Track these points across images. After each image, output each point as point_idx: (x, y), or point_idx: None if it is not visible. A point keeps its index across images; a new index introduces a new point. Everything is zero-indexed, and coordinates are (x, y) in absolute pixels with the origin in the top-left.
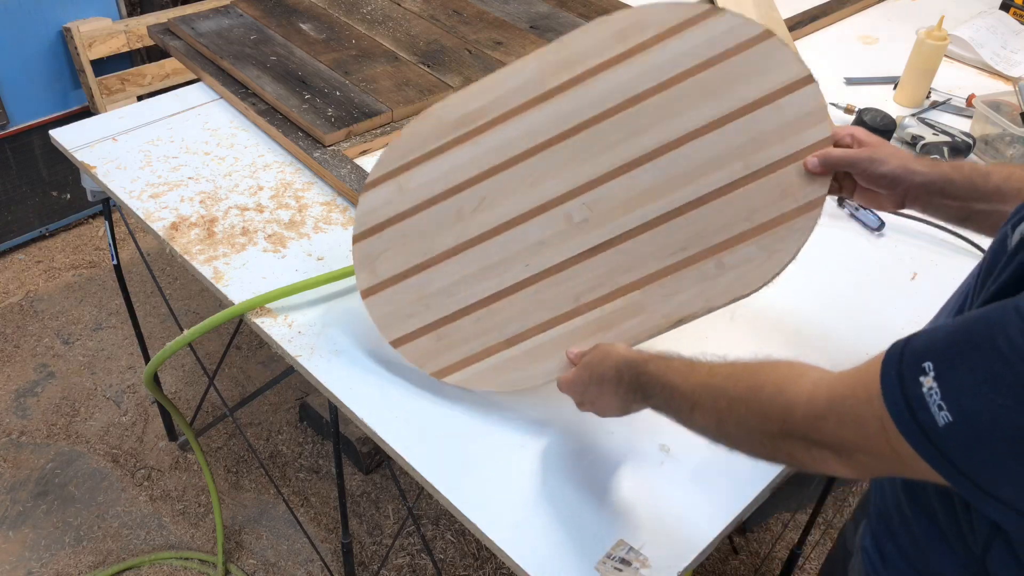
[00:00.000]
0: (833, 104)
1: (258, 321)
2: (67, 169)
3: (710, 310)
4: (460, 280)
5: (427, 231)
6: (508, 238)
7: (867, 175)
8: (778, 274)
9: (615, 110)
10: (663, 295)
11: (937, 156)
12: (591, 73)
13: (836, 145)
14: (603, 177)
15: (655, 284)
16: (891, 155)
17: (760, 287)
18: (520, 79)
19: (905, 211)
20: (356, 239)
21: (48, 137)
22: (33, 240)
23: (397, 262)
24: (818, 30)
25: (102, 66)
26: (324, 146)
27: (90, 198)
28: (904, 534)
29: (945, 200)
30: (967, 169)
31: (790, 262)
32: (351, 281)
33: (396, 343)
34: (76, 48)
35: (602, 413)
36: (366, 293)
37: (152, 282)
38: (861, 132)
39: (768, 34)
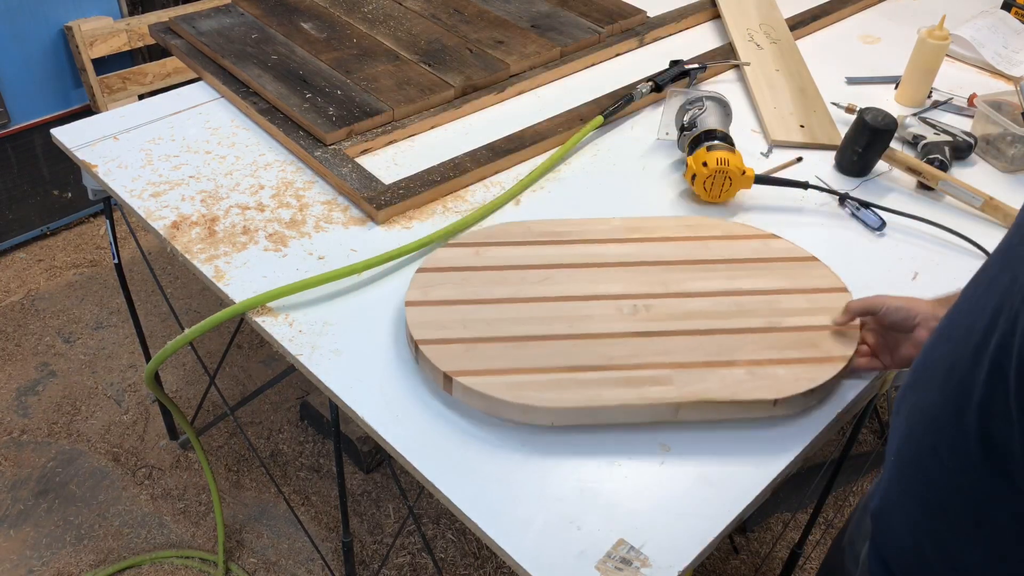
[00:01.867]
0: (834, 104)
1: (259, 320)
2: (68, 168)
3: (735, 402)
4: (504, 319)
5: (488, 283)
6: (560, 305)
7: (882, 310)
8: (816, 393)
9: (669, 263)
10: (691, 379)
11: (938, 155)
12: (659, 239)
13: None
14: (656, 295)
15: (686, 370)
16: (898, 298)
17: (791, 396)
18: (605, 225)
19: (906, 211)
20: (421, 270)
21: (49, 136)
22: (34, 239)
23: (450, 292)
24: (819, 29)
25: (103, 65)
26: (325, 145)
27: (91, 197)
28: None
29: None
30: None
31: (821, 387)
32: (352, 280)
33: (423, 342)
34: (77, 47)
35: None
36: (410, 303)
37: (153, 281)
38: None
39: (813, 259)
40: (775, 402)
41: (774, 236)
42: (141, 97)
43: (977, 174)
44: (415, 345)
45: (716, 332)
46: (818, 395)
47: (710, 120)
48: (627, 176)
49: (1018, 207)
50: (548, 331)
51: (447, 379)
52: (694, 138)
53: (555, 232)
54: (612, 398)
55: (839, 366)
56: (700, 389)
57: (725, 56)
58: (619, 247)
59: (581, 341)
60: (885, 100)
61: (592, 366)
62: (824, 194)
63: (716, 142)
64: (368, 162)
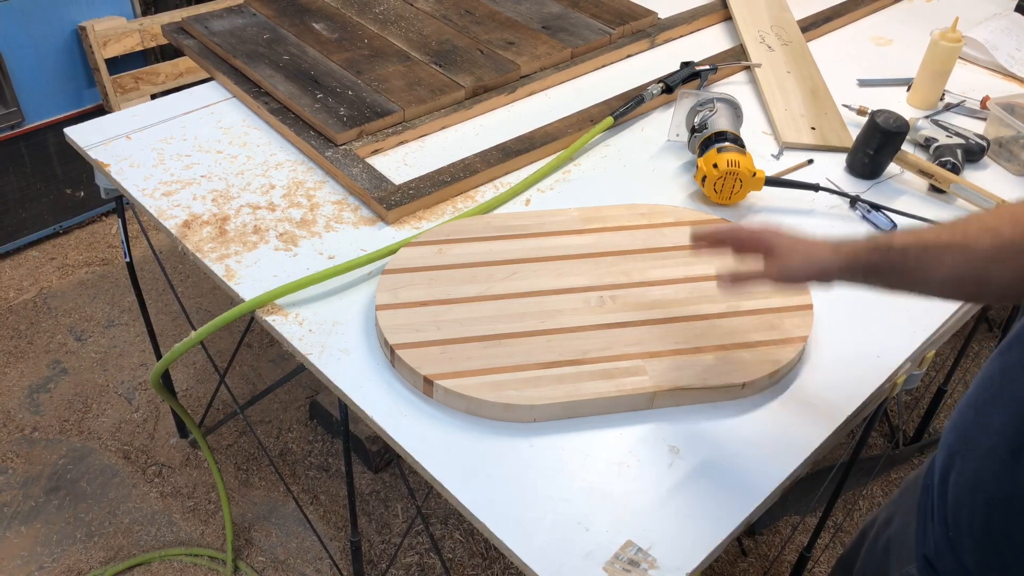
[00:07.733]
0: (846, 106)
1: (269, 319)
2: (81, 167)
3: (707, 388)
4: (476, 318)
5: (456, 281)
6: (530, 301)
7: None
8: (779, 373)
9: (627, 252)
10: (664, 368)
11: (950, 158)
12: (615, 228)
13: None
14: (620, 285)
15: (658, 359)
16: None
17: (758, 378)
18: (563, 216)
19: (918, 214)
20: (387, 272)
21: (63, 135)
22: (47, 237)
23: (419, 293)
24: (831, 31)
25: (116, 65)
26: (336, 145)
27: (103, 196)
28: None
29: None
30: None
31: (784, 366)
32: (361, 279)
33: (399, 347)
34: (91, 47)
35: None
36: (381, 307)
37: (164, 280)
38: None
39: None
40: (743, 385)
41: (724, 221)
42: (153, 97)
43: (989, 177)
44: (390, 349)
45: (681, 319)
46: (781, 374)
47: (721, 122)
48: (637, 177)
49: None
50: (521, 328)
51: (427, 382)
52: (704, 139)
53: (515, 226)
54: (590, 391)
55: (799, 347)
56: (673, 378)
57: (736, 57)
58: (579, 238)
59: (555, 336)
60: (897, 102)
61: (568, 360)
62: (835, 196)
63: (727, 144)
64: (378, 162)
